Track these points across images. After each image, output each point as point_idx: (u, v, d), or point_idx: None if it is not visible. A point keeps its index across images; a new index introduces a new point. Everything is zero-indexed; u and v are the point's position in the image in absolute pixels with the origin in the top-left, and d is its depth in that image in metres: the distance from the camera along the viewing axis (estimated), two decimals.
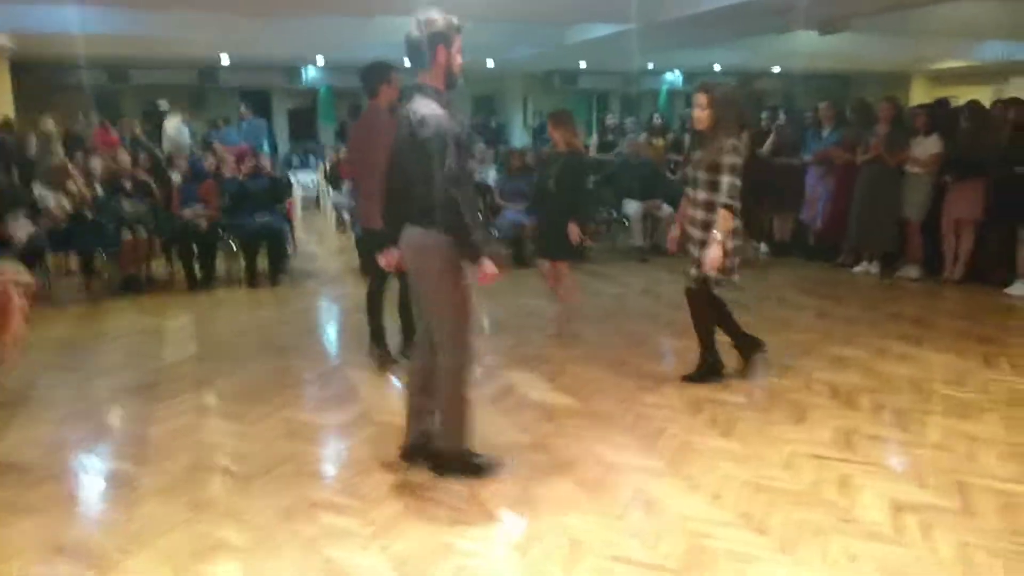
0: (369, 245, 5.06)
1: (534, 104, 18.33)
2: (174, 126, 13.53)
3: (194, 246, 7.33)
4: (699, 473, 3.44)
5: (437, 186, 3.02)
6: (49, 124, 10.73)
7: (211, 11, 8.80)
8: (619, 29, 10.29)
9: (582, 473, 3.46)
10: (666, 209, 8.76)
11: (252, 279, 7.46)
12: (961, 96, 13.33)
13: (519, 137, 17.31)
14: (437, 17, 3.13)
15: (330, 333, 6.22)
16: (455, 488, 3.31)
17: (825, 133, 8.11)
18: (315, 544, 2.90)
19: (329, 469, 3.61)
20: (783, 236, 8.74)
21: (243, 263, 7.62)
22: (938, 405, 4.22)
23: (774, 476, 3.41)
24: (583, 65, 16.50)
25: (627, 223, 8.89)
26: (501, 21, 10.22)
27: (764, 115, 9.31)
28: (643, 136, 10.05)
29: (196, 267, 7.37)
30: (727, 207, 4.11)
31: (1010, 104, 7.41)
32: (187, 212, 7.32)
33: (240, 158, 8.03)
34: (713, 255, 4.10)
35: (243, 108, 14.83)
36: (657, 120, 10.13)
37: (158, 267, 7.81)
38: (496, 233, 8.58)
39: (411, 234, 3.22)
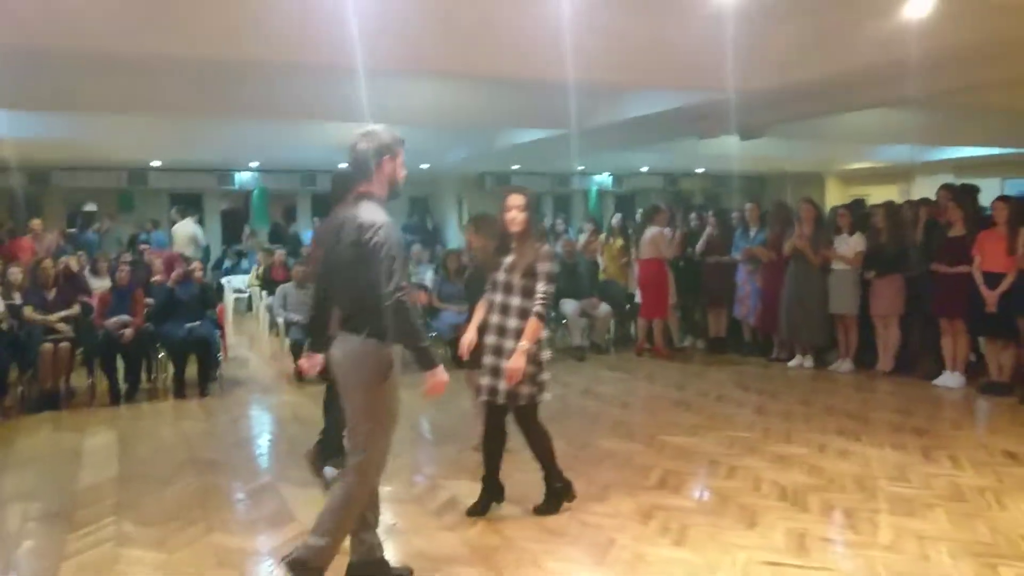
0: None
1: (469, 205, 18.62)
2: (188, 231, 12.90)
3: (118, 357, 6.99)
4: None
5: (385, 294, 2.99)
6: None
7: (137, 114, 8.68)
8: (550, 134, 10.63)
9: None
10: (603, 307, 8.85)
11: (180, 390, 7.12)
12: (871, 194, 14.18)
13: (455, 238, 17.46)
14: (382, 130, 3.22)
15: (262, 446, 5.92)
16: None
17: (752, 232, 8.41)
18: None
19: None
20: (718, 332, 8.90)
21: (171, 373, 7.29)
22: (884, 503, 4.22)
23: None
24: (515, 167, 16.93)
25: (564, 322, 8.92)
26: (438, 128, 10.45)
27: (692, 216, 9.65)
28: (589, 236, 10.18)
29: (120, 379, 7.01)
30: (540, 316, 3.89)
31: (922, 204, 7.88)
32: (111, 322, 7.00)
33: (169, 264, 7.80)
34: (515, 365, 3.79)
35: (174, 212, 14.61)
36: (616, 221, 10.21)
37: (79, 380, 7.40)
38: (434, 335, 8.49)
39: (346, 341, 3.15)
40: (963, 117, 10.97)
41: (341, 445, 4.23)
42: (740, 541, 3.76)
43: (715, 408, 6.39)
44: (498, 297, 4.03)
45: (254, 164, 16.06)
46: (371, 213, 3.10)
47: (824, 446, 5.25)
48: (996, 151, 14.06)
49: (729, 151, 12.27)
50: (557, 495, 4.20)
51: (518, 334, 3.93)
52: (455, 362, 8.25)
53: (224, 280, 12.92)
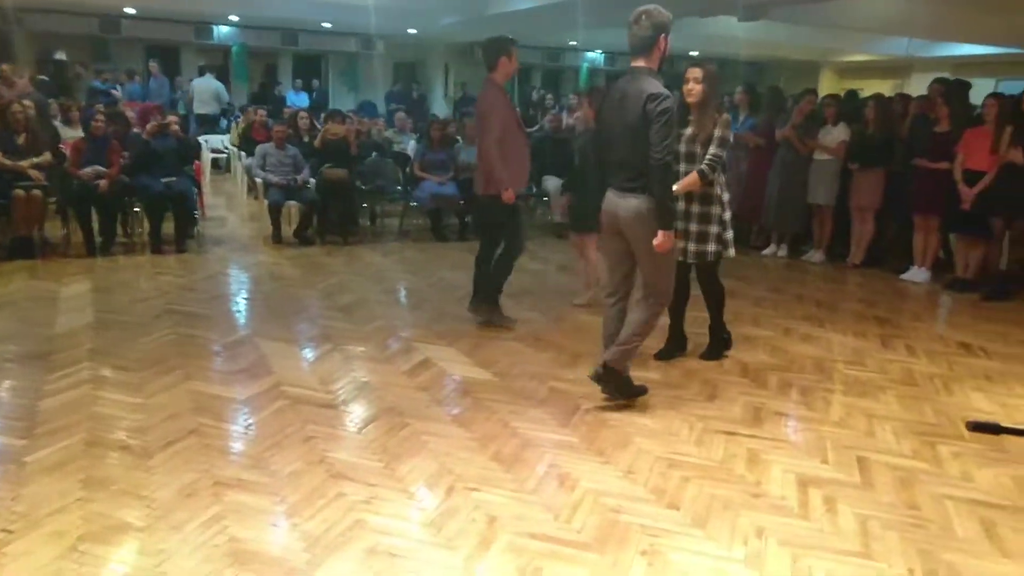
0: (482, 210, 5.38)
1: (456, 75, 18.09)
2: (212, 88, 13.28)
3: (93, 208, 6.91)
4: (613, 449, 3.48)
5: (656, 154, 3.47)
6: None
7: None
8: (543, 3, 10.22)
9: (497, 448, 3.45)
10: None
11: (156, 244, 7.10)
12: (866, 88, 13.95)
13: (440, 107, 17.06)
14: (659, 10, 3.61)
15: (239, 302, 5.98)
16: (369, 464, 3.24)
17: (741, 118, 8.29)
18: (220, 522, 2.78)
19: (236, 444, 3.45)
20: None
21: (147, 227, 7.24)
22: (839, 384, 4.40)
23: (686, 452, 3.48)
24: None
25: (546, 198, 8.89)
26: None
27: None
28: (584, 106, 9.99)
29: (95, 231, 6.96)
30: (701, 173, 4.22)
31: (911, 99, 7.78)
32: (86, 172, 6.87)
33: (146, 115, 7.59)
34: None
35: (152, 63, 14.13)
36: None
37: (53, 229, 7.34)
38: (414, 204, 8.45)
39: (630, 199, 3.65)
40: (963, 12, 10.70)
41: (492, 294, 5.17)
42: (699, 411, 3.93)
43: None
44: (681, 167, 4.30)
45: (234, 18, 15.35)
46: (655, 85, 3.52)
47: (789, 330, 5.42)
48: (994, 50, 13.79)
49: (729, 33, 11.93)
50: (721, 344, 4.75)
51: (703, 199, 4.33)
52: (434, 232, 8.33)
53: (201, 139, 12.63)
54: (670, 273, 3.84)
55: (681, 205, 4.35)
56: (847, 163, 7.30)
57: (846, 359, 4.84)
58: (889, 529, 2.90)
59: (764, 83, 13.84)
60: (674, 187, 4.10)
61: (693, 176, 4.22)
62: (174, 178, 7.19)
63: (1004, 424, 3.79)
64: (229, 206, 10.18)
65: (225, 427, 3.60)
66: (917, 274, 7.02)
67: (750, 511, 2.99)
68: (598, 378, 3.89)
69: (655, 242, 3.59)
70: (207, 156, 11.66)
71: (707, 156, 4.24)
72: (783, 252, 7.92)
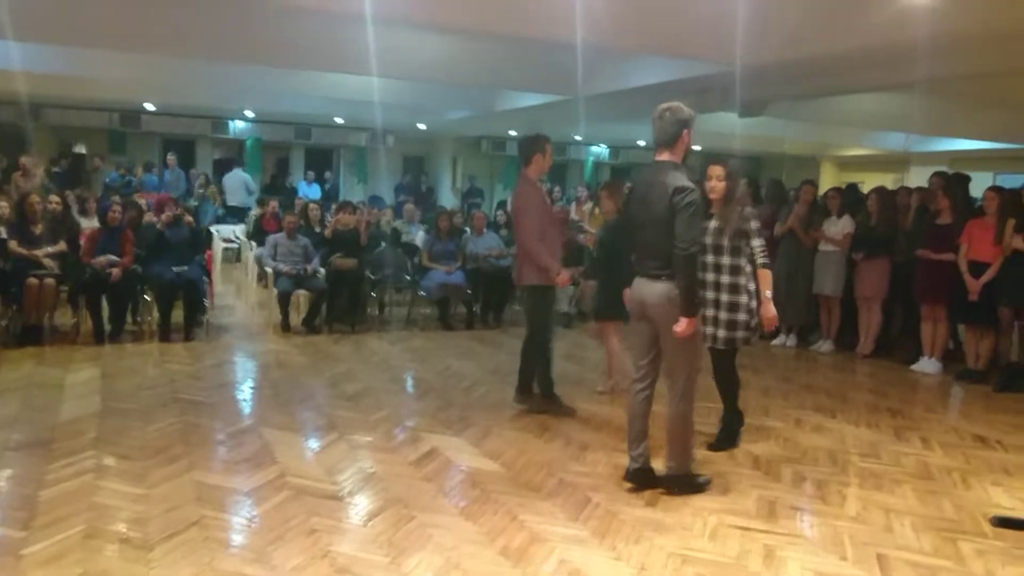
0: (525, 299, 5.50)
1: (463, 167, 18.54)
2: (241, 179, 14.03)
3: (104, 296, 6.97)
4: (624, 544, 3.38)
5: (683, 245, 3.61)
6: None
7: (134, 50, 8.48)
8: (549, 100, 10.56)
9: (505, 542, 3.35)
10: None
11: (165, 332, 7.13)
12: (866, 181, 14.22)
13: (448, 199, 17.40)
14: (682, 106, 3.77)
15: (245, 390, 5.95)
16: (374, 559, 3.15)
17: None
18: None
19: (239, 537, 3.37)
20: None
21: (156, 315, 7.29)
22: (854, 477, 4.31)
23: (700, 547, 3.38)
24: (512, 133, 16.84)
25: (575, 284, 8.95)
26: (439, 83, 10.34)
27: None
28: (580, 205, 10.21)
29: (105, 319, 7.00)
30: (765, 266, 4.46)
31: (914, 191, 7.93)
32: (99, 260, 6.97)
33: (160, 206, 7.76)
34: (769, 313, 4.41)
35: (170, 156, 14.58)
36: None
37: (63, 317, 7.39)
38: (422, 293, 8.51)
39: (656, 286, 3.78)
40: (960, 108, 11.01)
41: (530, 384, 5.29)
42: (712, 505, 3.84)
43: (697, 381, 6.44)
44: (709, 258, 4.50)
45: (249, 113, 15.89)
46: (681, 179, 3.67)
47: (800, 421, 5.35)
48: (990, 145, 14.10)
49: (727, 129, 12.25)
50: (735, 434, 4.76)
51: (731, 288, 4.48)
52: (441, 321, 8.35)
53: (213, 229, 12.87)
54: (694, 358, 3.89)
55: (711, 294, 4.51)
56: (851, 254, 7.37)
57: (860, 451, 4.75)
58: None
59: (765, 176, 14.16)
60: (766, 292, 4.44)
61: (766, 273, 4.48)
62: (185, 267, 7.28)
63: None
64: (238, 294, 10.26)
65: (228, 519, 3.52)
66: (927, 364, 6.97)
67: None
68: (633, 477, 3.96)
69: (676, 328, 3.67)
70: (219, 246, 11.87)
71: (757, 249, 4.46)
72: (792, 342, 7.90)
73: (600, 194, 6.46)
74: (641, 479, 3.96)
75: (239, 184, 13.99)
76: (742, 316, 4.49)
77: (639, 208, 3.87)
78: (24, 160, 10.95)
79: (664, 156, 3.80)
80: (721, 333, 4.53)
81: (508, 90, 11.46)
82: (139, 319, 7.62)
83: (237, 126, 16.65)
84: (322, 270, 8.02)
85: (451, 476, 4.13)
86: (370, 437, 4.69)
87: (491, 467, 4.26)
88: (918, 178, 13.95)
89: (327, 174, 17.03)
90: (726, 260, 4.48)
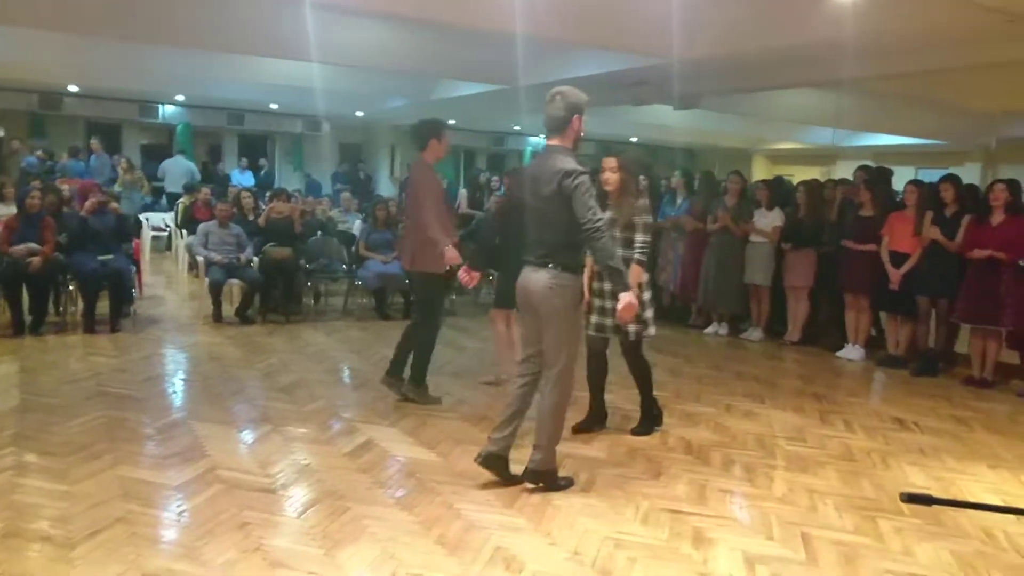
0: (414, 285, 5.51)
1: (401, 156, 18.36)
2: (184, 167, 13.66)
3: (24, 286, 6.69)
4: (559, 529, 3.43)
5: (588, 226, 3.49)
6: None
7: (57, 29, 8.09)
8: (487, 89, 10.54)
9: (441, 531, 3.36)
10: None
11: (90, 324, 6.88)
12: (795, 175, 14.65)
13: (386, 188, 17.22)
14: (574, 91, 3.67)
15: (175, 383, 5.79)
16: (308, 551, 3.12)
17: (679, 201, 8.58)
18: None
19: (167, 532, 3.29)
20: None
21: (80, 306, 7.03)
22: (781, 460, 4.46)
23: (632, 531, 3.45)
24: (452, 122, 16.74)
25: (491, 277, 8.96)
26: (377, 71, 10.21)
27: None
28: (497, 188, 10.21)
29: (24, 310, 6.72)
30: (640, 263, 4.42)
31: (839, 184, 8.21)
32: (18, 248, 6.67)
33: (84, 192, 7.47)
34: (626, 304, 3.88)
35: (93, 141, 14.03)
36: None
37: None
38: (359, 283, 8.42)
39: (542, 274, 3.66)
40: (886, 106, 11.44)
41: (403, 368, 5.23)
42: (645, 490, 3.92)
43: (575, 373, 6.55)
44: None
45: (180, 98, 15.39)
46: (569, 163, 3.57)
47: (731, 407, 5.49)
48: (913, 141, 14.69)
49: (663, 121, 12.44)
50: (652, 419, 4.82)
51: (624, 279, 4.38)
52: (378, 311, 8.28)
53: (143, 216, 12.47)
54: (572, 349, 3.77)
55: (596, 285, 4.52)
56: (780, 244, 7.59)
57: (787, 435, 4.91)
58: None
59: (698, 168, 14.45)
60: (630, 287, 4.24)
61: (636, 269, 4.39)
62: (111, 256, 7.04)
63: (935, 496, 3.87)
64: (168, 285, 9.97)
65: (155, 514, 3.43)
66: (852, 351, 7.24)
67: None
68: (485, 461, 3.84)
69: (619, 305, 3.62)
70: (147, 234, 11.51)
71: (638, 244, 4.44)
72: (723, 331, 8.10)
73: (505, 181, 6.47)
74: (492, 464, 3.83)
75: (183, 172, 13.62)
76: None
77: (526, 195, 3.78)
78: None
79: (554, 141, 3.70)
80: (611, 323, 4.53)
81: (447, 79, 11.39)
82: (62, 310, 7.34)
83: (167, 111, 16.11)
84: (256, 259, 7.86)
85: (387, 466, 4.11)
86: (304, 429, 4.63)
87: (427, 456, 4.26)
88: (845, 172, 14.41)
89: (261, 161, 16.65)
90: (619, 252, 4.34)
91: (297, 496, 3.68)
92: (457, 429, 4.74)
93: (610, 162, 4.49)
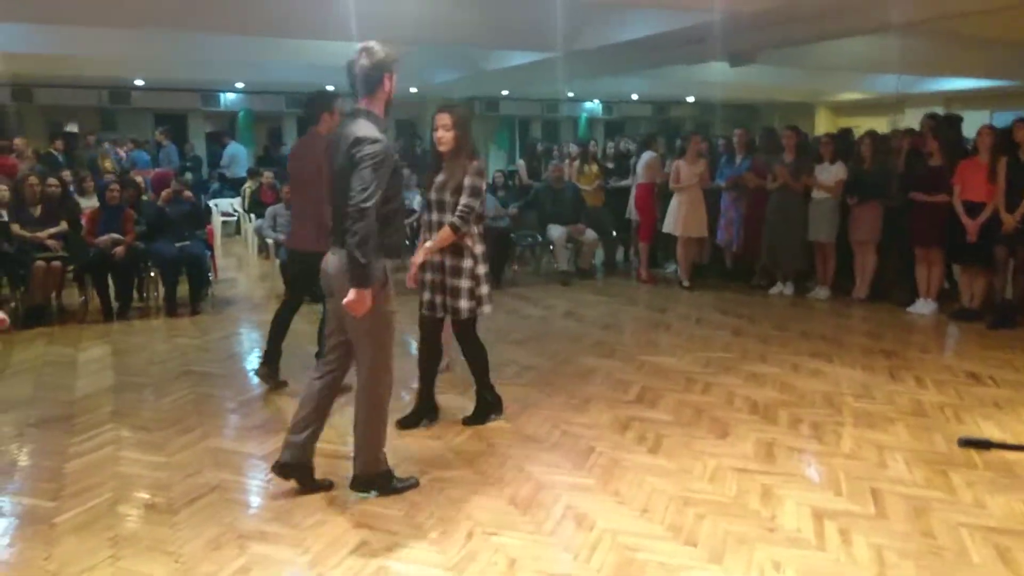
0: (294, 266, 5.23)
1: None
2: (243, 151, 14.45)
3: (109, 275, 7.07)
4: (628, 488, 3.53)
5: (353, 204, 3.00)
6: None
7: (123, 27, 8.41)
8: (539, 57, 10.51)
9: (514, 491, 3.50)
10: (590, 234, 8.96)
11: (171, 307, 7.24)
12: (861, 126, 14.17)
13: None
14: (381, 47, 3.20)
15: (253, 360, 6.06)
16: (390, 512, 3.30)
17: (738, 160, 8.46)
18: (247, 574, 2.84)
19: (258, 498, 3.53)
20: (700, 258, 9.03)
21: (162, 291, 7.39)
22: (849, 417, 4.45)
23: (700, 489, 3.52)
24: (505, 92, 16.73)
25: (551, 247, 9.03)
26: (426, 44, 10.27)
27: (678, 143, 9.65)
28: (571, 163, 10.19)
29: (112, 296, 7.11)
30: (453, 227, 3.90)
31: (906, 134, 7.96)
32: (102, 239, 7.05)
33: (159, 183, 7.81)
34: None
35: (159, 133, 14.55)
36: (593, 147, 10.30)
37: (70, 296, 7.50)
38: None
39: (338, 257, 3.21)
40: (952, 47, 10.94)
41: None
42: (711, 449, 3.98)
43: (694, 330, 6.59)
44: (433, 216, 4.02)
45: (240, 84, 15.79)
46: (365, 129, 3.10)
47: (797, 366, 5.47)
48: (985, 83, 14.03)
49: (719, 79, 12.20)
50: (487, 407, 4.39)
51: (454, 251, 3.99)
52: None
53: (211, 203, 12.91)
54: (383, 338, 3.29)
55: (435, 257, 4.02)
56: (845, 198, 7.43)
57: (855, 393, 4.88)
58: (905, 558, 2.93)
59: (759, 125, 14.13)
60: (428, 244, 3.92)
61: (446, 230, 3.90)
62: (187, 242, 7.37)
63: (994, 440, 3.84)
64: (240, 267, 10.34)
65: (245, 482, 3.67)
66: (923, 306, 7.07)
67: (766, 545, 3.03)
68: (279, 470, 3.42)
69: (344, 300, 3.08)
70: (218, 220, 11.92)
71: (459, 207, 3.91)
72: (788, 290, 8.00)
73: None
74: (287, 474, 3.42)
75: (243, 156, 14.24)
76: (465, 283, 4.01)
77: (330, 165, 3.29)
78: (17, 142, 10.95)
79: (361, 104, 3.22)
80: (442, 300, 4.08)
81: (494, 50, 11.38)
82: (145, 295, 7.73)
83: (228, 98, 16.56)
84: None
85: (458, 433, 4.25)
86: None
87: (496, 423, 4.39)
88: (913, 120, 13.91)
89: None
90: (448, 219, 3.93)
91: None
92: (524, 394, 4.86)
93: (443, 119, 3.91)
